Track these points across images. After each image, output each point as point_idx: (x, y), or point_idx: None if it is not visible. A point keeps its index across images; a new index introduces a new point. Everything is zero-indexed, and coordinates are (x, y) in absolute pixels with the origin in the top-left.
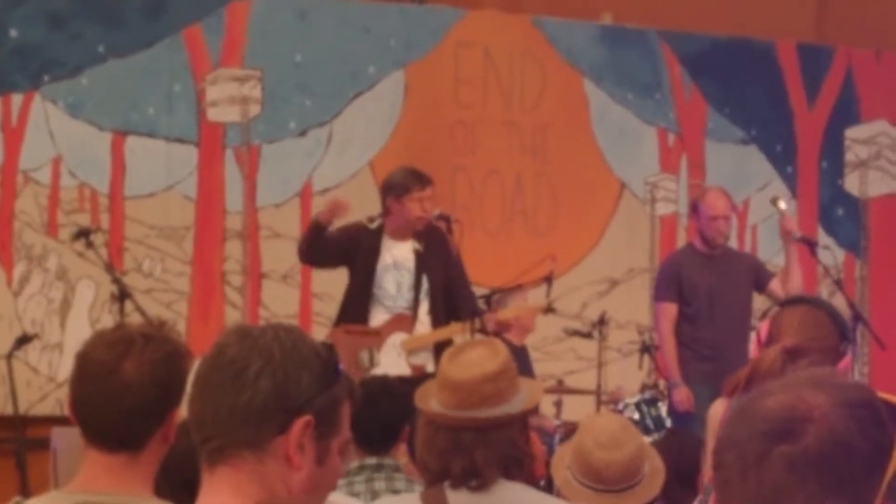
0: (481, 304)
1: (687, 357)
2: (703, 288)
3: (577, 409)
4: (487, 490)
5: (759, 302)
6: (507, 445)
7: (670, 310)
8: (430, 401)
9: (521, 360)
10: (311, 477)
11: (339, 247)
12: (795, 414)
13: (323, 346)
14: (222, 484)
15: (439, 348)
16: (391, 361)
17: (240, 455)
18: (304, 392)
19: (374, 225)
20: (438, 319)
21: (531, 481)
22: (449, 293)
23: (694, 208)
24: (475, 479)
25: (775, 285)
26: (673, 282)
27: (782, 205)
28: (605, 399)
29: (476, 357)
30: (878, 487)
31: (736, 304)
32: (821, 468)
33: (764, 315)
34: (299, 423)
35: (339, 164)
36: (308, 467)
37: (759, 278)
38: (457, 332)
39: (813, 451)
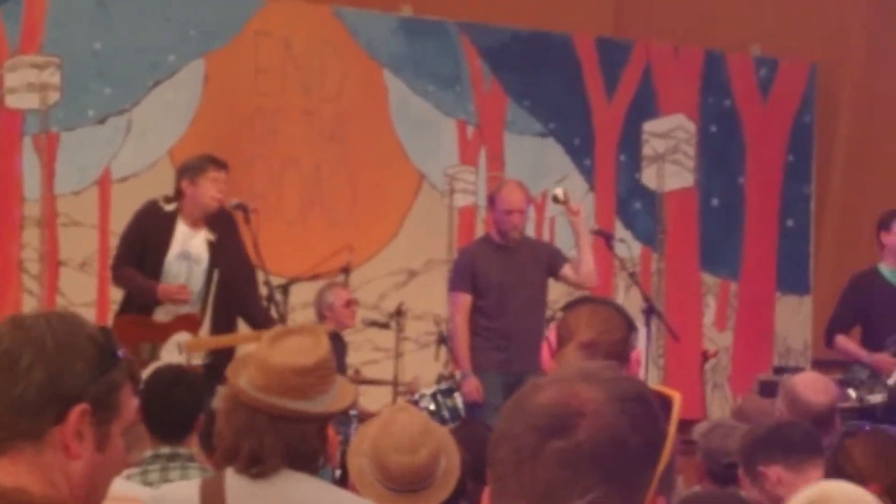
0: (278, 294)
1: (481, 346)
2: (496, 279)
3: (373, 399)
4: (267, 478)
5: (559, 290)
6: (298, 439)
7: (464, 300)
8: (240, 374)
9: (340, 354)
10: (91, 464)
11: (138, 254)
12: (568, 409)
13: (100, 332)
14: (2, 476)
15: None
16: (171, 359)
17: (18, 447)
18: (78, 380)
19: (169, 207)
20: (218, 319)
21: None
22: (237, 288)
23: (491, 201)
24: (259, 464)
25: (567, 270)
26: (467, 273)
27: (560, 194)
28: (402, 390)
29: (296, 346)
30: (651, 481)
31: (530, 294)
32: (593, 462)
33: (549, 321)
34: (75, 412)
35: (138, 151)
36: (88, 455)
37: (552, 265)
38: (240, 341)
39: (585, 446)
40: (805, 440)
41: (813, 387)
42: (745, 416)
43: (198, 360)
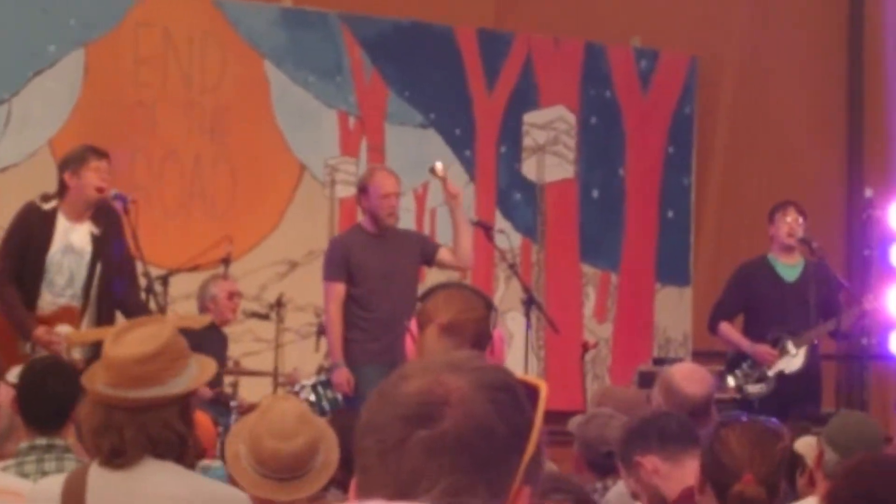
0: (157, 285)
1: (357, 338)
2: (372, 269)
3: (254, 390)
4: (129, 469)
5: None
6: (160, 427)
7: (339, 290)
8: (95, 378)
9: (219, 346)
10: None
11: (20, 258)
12: (433, 398)
13: None
14: None
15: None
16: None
17: None
18: None
19: (48, 205)
20: (100, 311)
21: (194, 460)
22: (120, 281)
23: (363, 189)
24: (122, 457)
25: (444, 254)
26: (342, 262)
27: (439, 167)
28: (282, 381)
29: (139, 336)
30: (517, 470)
31: (405, 283)
32: (459, 452)
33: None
34: None
35: (17, 143)
36: None
37: (425, 251)
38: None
39: (451, 435)
40: (681, 431)
41: (689, 378)
42: (608, 404)
43: (78, 354)
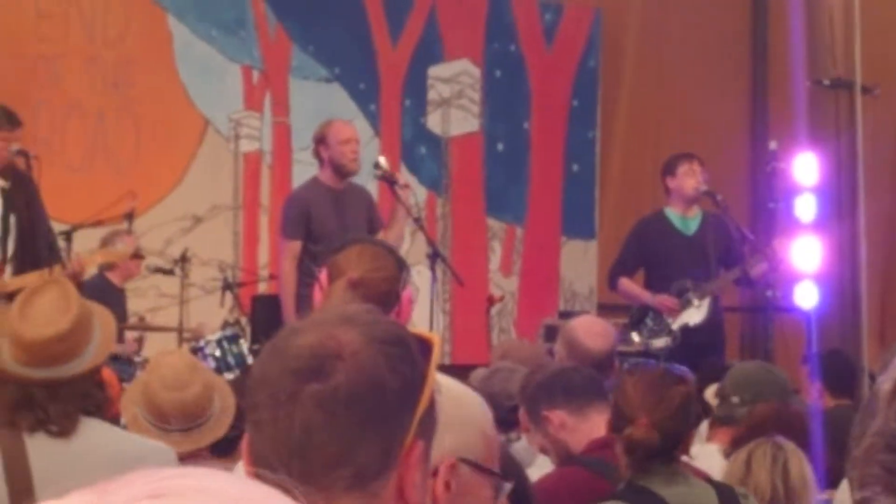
0: (61, 240)
1: (311, 295)
2: (331, 225)
3: (158, 346)
4: (68, 436)
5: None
6: (80, 397)
7: (295, 247)
8: (1, 354)
9: (118, 302)
10: None
11: None
12: (325, 351)
13: None
14: None
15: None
16: None
17: None
18: None
19: None
20: (23, 263)
21: (109, 418)
22: (33, 234)
23: (321, 140)
24: (52, 426)
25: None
26: (301, 218)
27: (382, 161)
28: (187, 336)
29: (46, 310)
30: (411, 424)
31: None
32: (351, 406)
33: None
34: None
35: None
36: None
37: (370, 219)
38: (37, 279)
39: (343, 389)
40: (587, 384)
41: (591, 331)
42: (510, 358)
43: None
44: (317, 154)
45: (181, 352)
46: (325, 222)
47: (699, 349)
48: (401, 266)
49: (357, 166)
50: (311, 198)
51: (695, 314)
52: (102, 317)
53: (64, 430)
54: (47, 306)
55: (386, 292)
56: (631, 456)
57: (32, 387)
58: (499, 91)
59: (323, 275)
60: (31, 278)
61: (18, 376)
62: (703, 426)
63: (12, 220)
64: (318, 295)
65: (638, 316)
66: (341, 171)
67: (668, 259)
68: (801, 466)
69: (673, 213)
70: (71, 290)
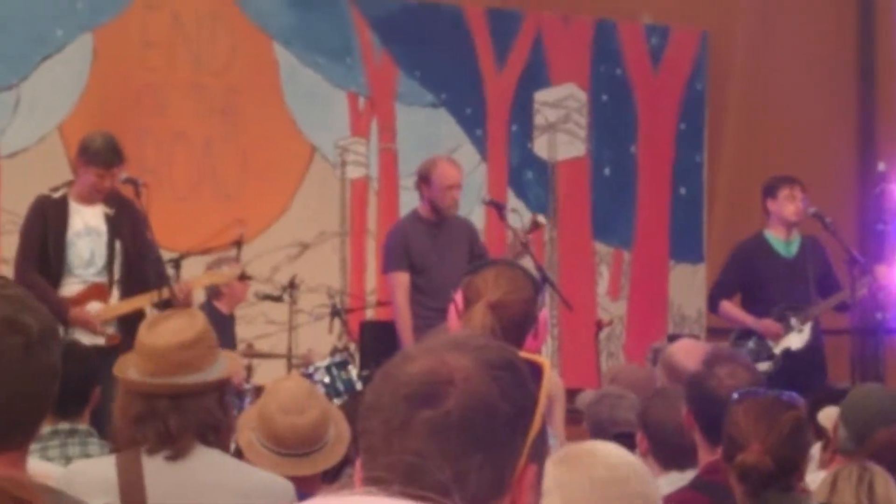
0: (169, 268)
1: (419, 326)
2: (431, 257)
3: (268, 373)
4: (183, 459)
5: None
6: (203, 413)
7: (403, 279)
8: (128, 369)
9: (227, 329)
10: None
11: (40, 245)
12: (437, 377)
13: None
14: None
15: (125, 320)
16: (86, 331)
17: None
18: None
19: (57, 194)
20: (130, 288)
21: (227, 448)
22: (139, 260)
23: (424, 178)
24: (170, 445)
25: None
26: (401, 251)
27: (542, 220)
28: (296, 362)
29: (173, 326)
30: (522, 448)
31: (462, 270)
32: (463, 431)
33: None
34: None
35: (27, 128)
36: None
37: (471, 249)
38: (146, 302)
39: (455, 415)
40: None
41: (688, 354)
42: (620, 382)
43: (111, 329)
44: (419, 189)
45: (298, 377)
46: (426, 255)
47: (801, 373)
48: (536, 287)
49: (454, 211)
50: (409, 230)
51: (797, 339)
52: (223, 351)
53: (180, 449)
54: (173, 324)
55: (524, 314)
56: (745, 483)
57: (156, 398)
58: (605, 115)
59: (458, 296)
60: (138, 301)
61: (144, 385)
62: (816, 449)
63: (118, 245)
64: (453, 315)
65: (739, 340)
66: (440, 213)
67: (768, 282)
68: (888, 487)
69: (772, 235)
70: (197, 315)
